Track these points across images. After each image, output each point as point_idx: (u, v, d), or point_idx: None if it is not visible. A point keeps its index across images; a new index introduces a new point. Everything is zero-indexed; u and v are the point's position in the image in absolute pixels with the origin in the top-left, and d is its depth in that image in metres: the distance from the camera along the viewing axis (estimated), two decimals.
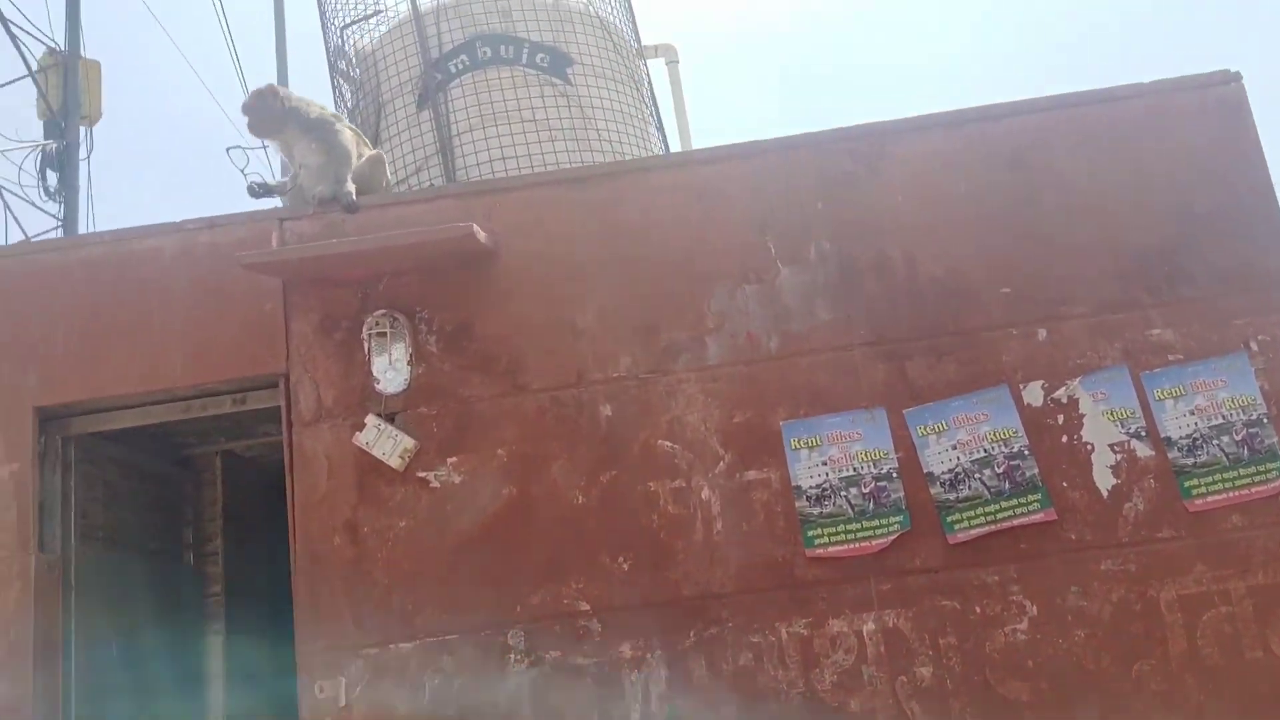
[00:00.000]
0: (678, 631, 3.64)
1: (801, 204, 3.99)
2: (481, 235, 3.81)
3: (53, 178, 11.73)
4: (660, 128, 5.60)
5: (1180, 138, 3.94)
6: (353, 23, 6.25)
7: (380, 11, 6.14)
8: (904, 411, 3.76)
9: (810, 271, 3.93)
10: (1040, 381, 3.74)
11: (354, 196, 4.04)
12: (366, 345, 3.95)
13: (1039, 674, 3.52)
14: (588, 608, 3.68)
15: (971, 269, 3.88)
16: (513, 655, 3.65)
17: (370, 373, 3.93)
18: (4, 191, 10.99)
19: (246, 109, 4.19)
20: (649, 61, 5.84)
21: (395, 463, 3.81)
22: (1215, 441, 3.65)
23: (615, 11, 5.61)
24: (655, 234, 4.00)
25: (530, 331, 3.94)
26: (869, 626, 3.60)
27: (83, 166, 12.13)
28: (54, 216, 11.70)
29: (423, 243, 3.76)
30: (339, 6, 6.23)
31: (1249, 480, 3.61)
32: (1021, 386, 3.75)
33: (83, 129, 12.40)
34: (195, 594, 5.11)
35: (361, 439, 3.84)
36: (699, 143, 5.86)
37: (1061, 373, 3.75)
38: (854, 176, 4.00)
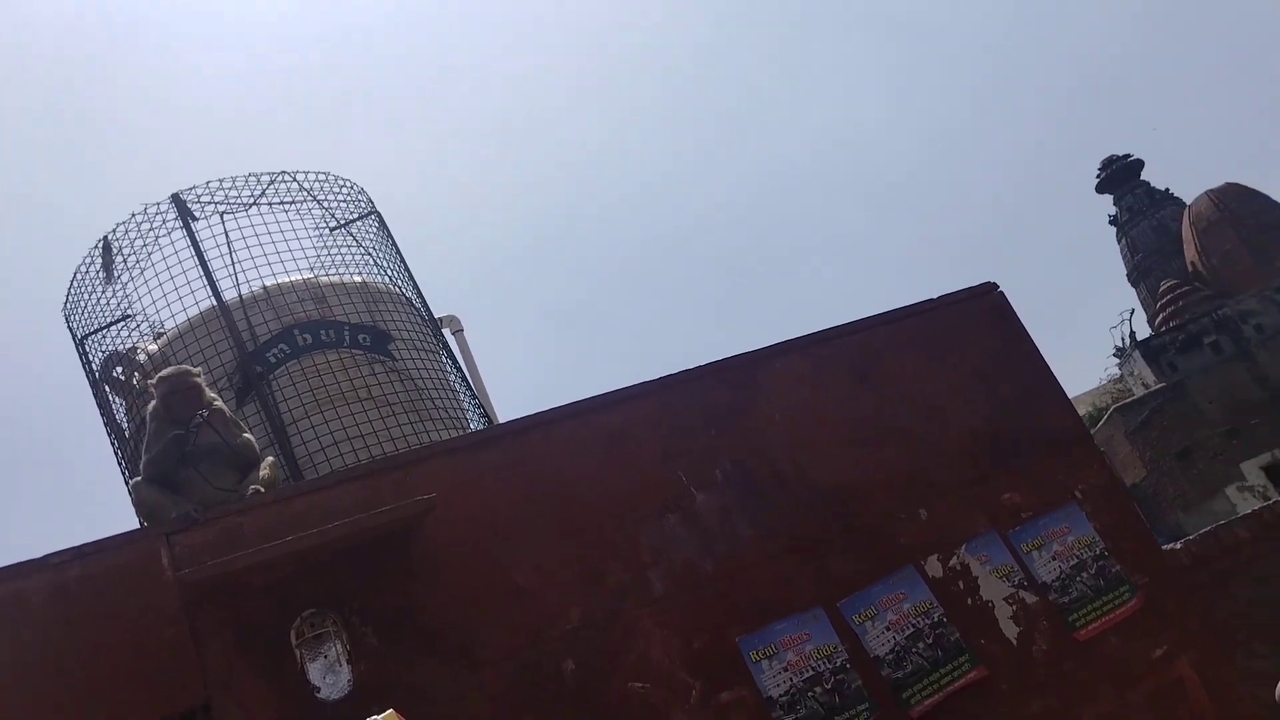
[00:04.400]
0: None
1: (696, 433, 4.31)
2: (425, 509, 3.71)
3: None
4: (471, 393, 5.72)
5: (973, 338, 4.80)
6: (98, 330, 5.84)
7: (130, 316, 5.80)
8: (838, 605, 4.07)
9: (720, 493, 4.21)
10: (936, 555, 4.24)
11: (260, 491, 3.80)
12: (298, 652, 3.60)
13: None
14: None
15: (851, 468, 4.37)
16: None
17: (308, 682, 3.57)
18: None
19: (177, 385, 3.92)
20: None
21: None
22: (1078, 578, 4.31)
23: (408, 288, 5.76)
24: (573, 482, 4.11)
25: (472, 603, 3.82)
26: None
27: None
28: None
29: (382, 524, 3.59)
30: (83, 317, 5.81)
31: (1111, 605, 4.28)
32: (923, 562, 4.22)
33: None
34: None
35: None
36: (498, 405, 6.03)
37: (949, 544, 4.28)
38: (734, 402, 4.41)
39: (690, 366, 4.45)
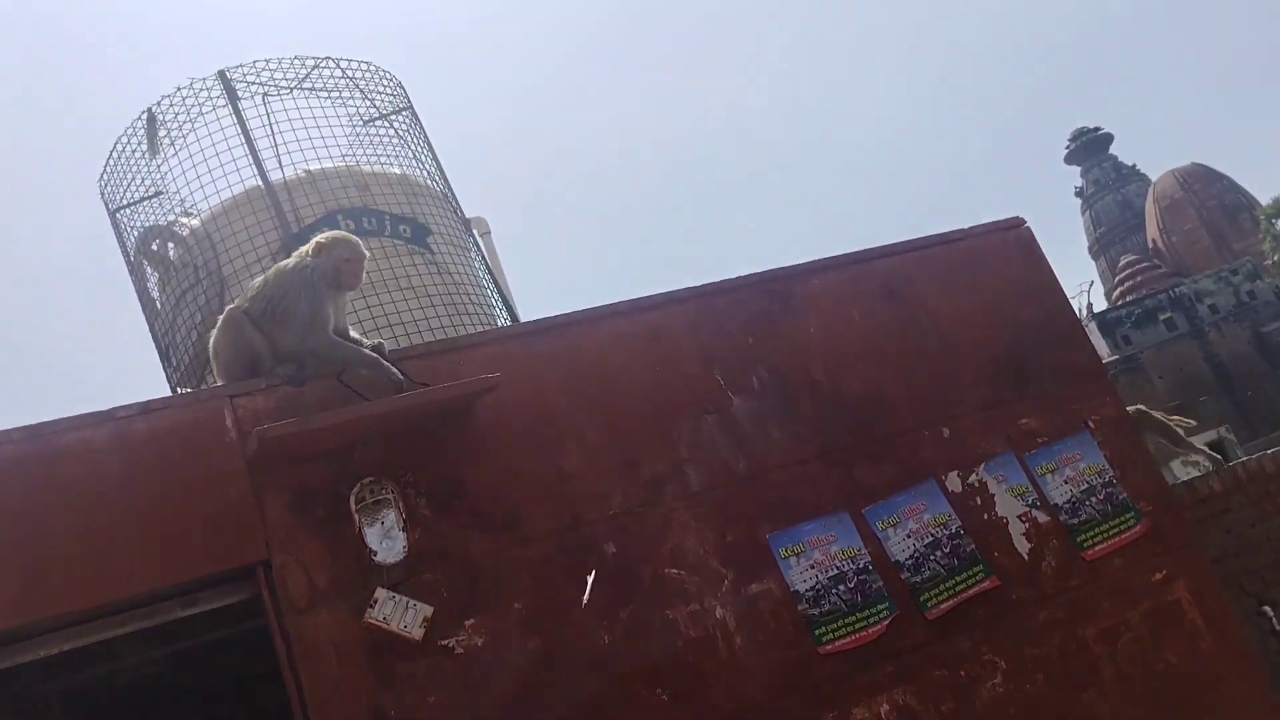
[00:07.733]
0: None
1: (735, 340, 4.46)
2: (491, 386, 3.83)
3: None
4: (499, 292, 5.81)
5: (1000, 269, 4.97)
6: (128, 205, 5.86)
7: (161, 193, 5.82)
8: (863, 511, 4.27)
9: (756, 399, 4.37)
10: (956, 471, 4.45)
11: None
12: (356, 517, 3.73)
13: (1019, 719, 4.08)
14: None
15: (880, 384, 4.54)
16: None
17: (364, 545, 3.71)
18: None
19: (355, 255, 3.93)
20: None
21: (418, 633, 3.61)
22: (1087, 502, 4.54)
23: (441, 186, 5.81)
24: (617, 376, 4.25)
25: (519, 481, 3.97)
26: (884, 707, 3.97)
27: None
28: None
29: (454, 396, 3.71)
30: (115, 191, 5.82)
31: (1117, 530, 4.52)
32: (943, 477, 4.42)
33: None
34: None
35: (375, 615, 3.60)
36: (521, 305, 6.12)
37: (968, 462, 4.48)
38: (772, 313, 4.56)
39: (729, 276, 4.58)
